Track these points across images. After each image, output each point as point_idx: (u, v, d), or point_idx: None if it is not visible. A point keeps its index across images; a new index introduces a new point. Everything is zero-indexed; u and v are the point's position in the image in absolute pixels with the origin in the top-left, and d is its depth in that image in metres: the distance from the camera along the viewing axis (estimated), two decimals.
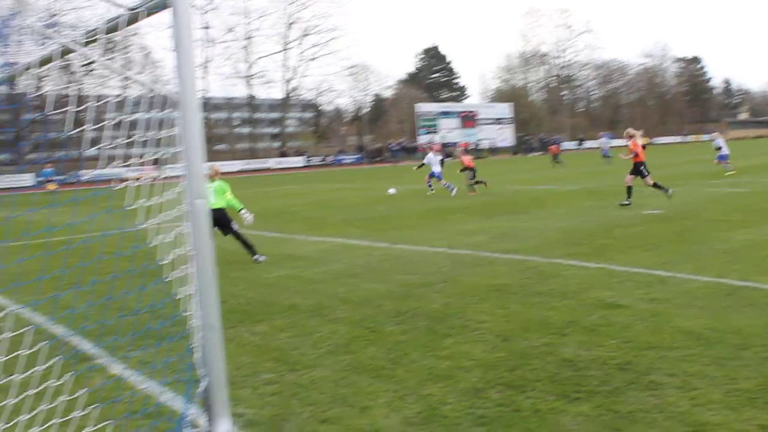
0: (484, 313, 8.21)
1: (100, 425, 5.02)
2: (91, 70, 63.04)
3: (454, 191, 25.90)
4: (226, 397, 5.36)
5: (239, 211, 12.94)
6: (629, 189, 19.12)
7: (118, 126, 5.41)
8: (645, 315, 7.70)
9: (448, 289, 9.65)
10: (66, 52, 5.67)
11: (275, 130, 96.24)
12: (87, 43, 5.55)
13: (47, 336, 7.84)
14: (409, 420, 5.24)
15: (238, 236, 12.93)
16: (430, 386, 5.92)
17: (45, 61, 5.96)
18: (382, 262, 12.16)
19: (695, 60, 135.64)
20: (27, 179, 54.80)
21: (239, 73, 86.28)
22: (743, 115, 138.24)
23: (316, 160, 76.09)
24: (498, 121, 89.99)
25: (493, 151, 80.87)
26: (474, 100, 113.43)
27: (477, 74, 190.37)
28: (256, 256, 12.84)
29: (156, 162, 5.64)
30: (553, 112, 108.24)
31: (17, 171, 55.38)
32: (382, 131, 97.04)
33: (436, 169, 27.00)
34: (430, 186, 27.42)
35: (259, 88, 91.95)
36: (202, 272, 5.23)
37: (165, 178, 5.28)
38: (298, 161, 74.63)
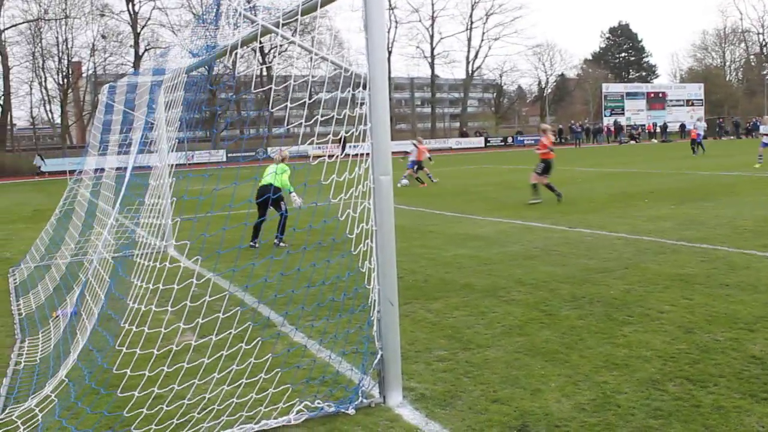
0: (665, 303, 7.92)
1: (280, 388, 5.33)
2: (283, 51, 65.76)
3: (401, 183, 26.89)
4: (399, 371, 5.55)
5: (290, 193, 13.03)
6: (538, 187, 19.26)
7: (306, 105, 5.67)
8: None
9: (628, 276, 9.37)
10: (264, 33, 6.02)
11: (456, 110, 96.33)
12: (283, 25, 5.86)
13: (240, 303, 8.39)
14: (581, 406, 5.18)
15: (282, 217, 13.12)
16: (605, 374, 5.82)
17: (245, 42, 6.34)
18: (560, 245, 11.98)
19: None
20: (221, 155, 58.36)
21: (423, 53, 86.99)
22: None
23: (495, 141, 75.54)
24: (688, 102, 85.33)
25: (683, 134, 76.56)
26: (663, 80, 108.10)
27: (668, 53, 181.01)
28: (278, 240, 13.08)
29: (342, 140, 5.87)
30: (752, 93, 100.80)
31: (212, 147, 59.04)
32: (565, 112, 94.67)
33: (413, 158, 27.75)
34: (417, 179, 27.61)
35: (442, 68, 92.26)
36: (384, 248, 5.42)
37: (348, 155, 5.48)
38: (477, 141, 74.35)
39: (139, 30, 69.48)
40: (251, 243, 13.04)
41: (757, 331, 6.74)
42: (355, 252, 5.40)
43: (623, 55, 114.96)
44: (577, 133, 70.46)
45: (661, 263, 10.12)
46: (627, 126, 77.37)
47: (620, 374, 5.79)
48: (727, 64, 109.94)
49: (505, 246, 12.24)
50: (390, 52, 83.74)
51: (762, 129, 29.78)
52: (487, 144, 73.91)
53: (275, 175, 13.05)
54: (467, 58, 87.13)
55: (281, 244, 13.12)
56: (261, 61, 66.57)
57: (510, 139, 76.20)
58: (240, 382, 5.28)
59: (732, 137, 73.78)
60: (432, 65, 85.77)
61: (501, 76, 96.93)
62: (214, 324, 5.28)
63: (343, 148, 5.48)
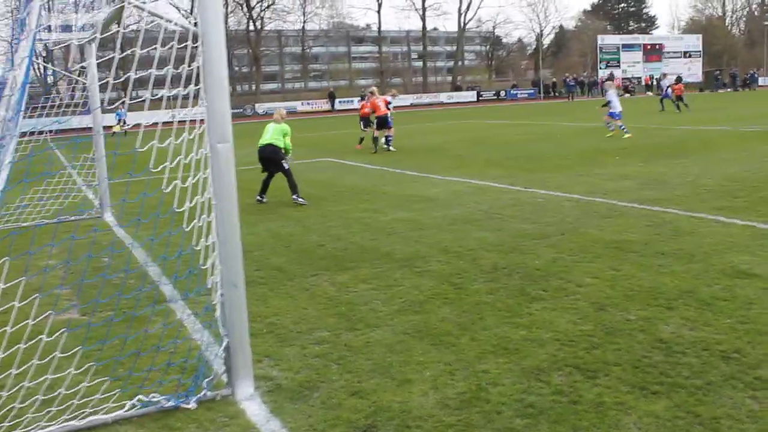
0: (589, 275, 7.28)
1: (98, 380, 4.71)
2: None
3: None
4: (248, 361, 4.92)
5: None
6: (376, 140, 22.26)
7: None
8: None
9: (562, 243, 8.73)
10: None
11: (450, 63, 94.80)
12: None
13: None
14: (445, 401, 4.57)
15: (287, 174, 12.82)
16: (490, 361, 5.20)
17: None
18: (506, 208, 11.31)
19: None
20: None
21: (413, 6, 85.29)
22: None
23: (488, 95, 74.24)
24: (686, 54, 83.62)
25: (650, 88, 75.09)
26: (663, 31, 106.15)
27: (668, 3, 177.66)
28: (295, 197, 12.76)
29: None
30: (752, 44, 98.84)
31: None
32: (562, 65, 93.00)
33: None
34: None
35: (435, 20, 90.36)
36: (225, 224, 4.75)
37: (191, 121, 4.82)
38: (469, 96, 73.10)
39: None
40: (258, 197, 13.17)
41: (675, 309, 6.11)
42: (187, 229, 4.73)
43: (623, 5, 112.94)
44: (570, 87, 69.21)
45: (602, 228, 9.47)
46: (622, 78, 76.01)
47: (506, 361, 5.17)
48: (728, 14, 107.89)
49: (449, 208, 11.57)
50: (380, 5, 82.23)
51: (608, 95, 24.32)
52: (479, 98, 72.71)
53: (274, 135, 12.92)
54: (459, 10, 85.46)
55: (299, 199, 12.76)
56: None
57: (503, 93, 75.02)
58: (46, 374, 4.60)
59: (729, 89, 72.54)
60: (423, 18, 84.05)
61: (494, 28, 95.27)
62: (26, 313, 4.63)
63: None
